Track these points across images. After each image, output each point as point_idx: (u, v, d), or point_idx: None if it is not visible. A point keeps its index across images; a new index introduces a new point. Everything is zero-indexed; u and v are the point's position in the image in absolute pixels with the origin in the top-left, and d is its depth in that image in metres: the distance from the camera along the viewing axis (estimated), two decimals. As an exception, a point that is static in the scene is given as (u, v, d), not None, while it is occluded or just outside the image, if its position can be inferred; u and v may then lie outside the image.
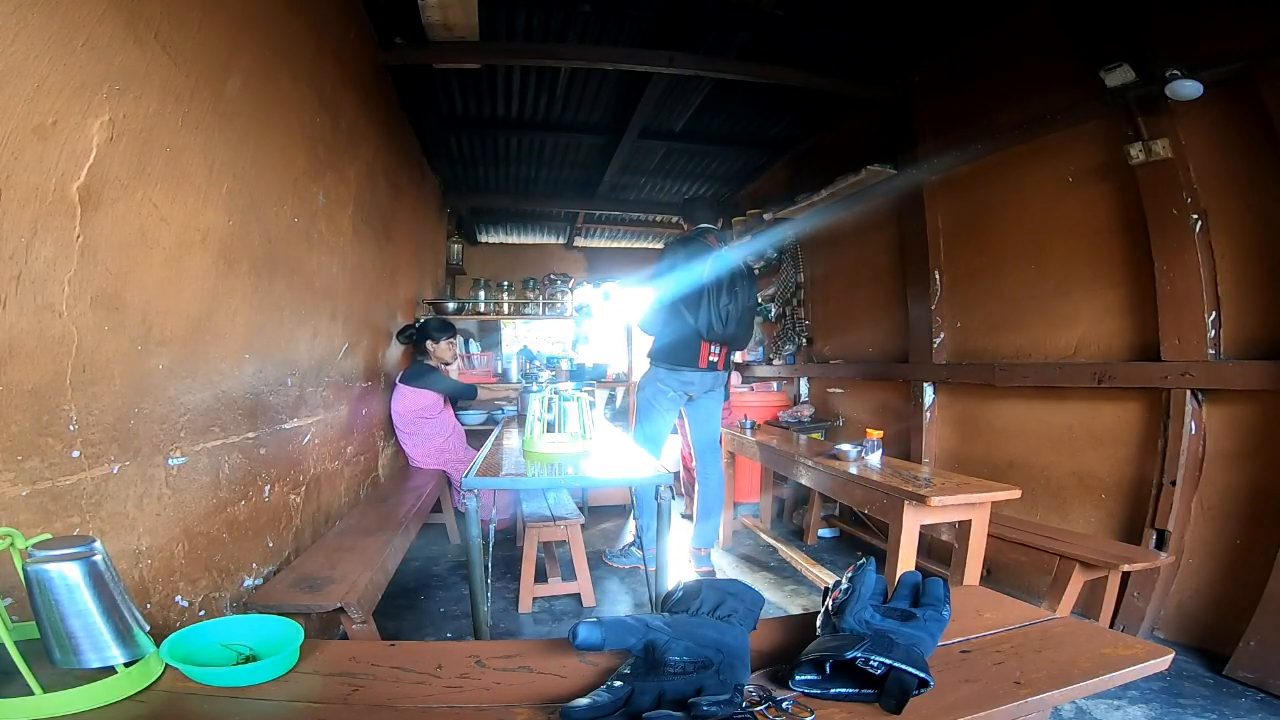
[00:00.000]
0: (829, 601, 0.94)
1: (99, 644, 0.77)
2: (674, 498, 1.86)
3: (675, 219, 5.46)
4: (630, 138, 4.33)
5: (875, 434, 2.62)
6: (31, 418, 1.05)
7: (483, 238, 7.56)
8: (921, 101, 3.53)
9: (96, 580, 0.78)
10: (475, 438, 3.94)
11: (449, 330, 3.79)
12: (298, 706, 0.81)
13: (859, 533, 3.57)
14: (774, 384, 5.05)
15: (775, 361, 5.04)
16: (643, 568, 2.96)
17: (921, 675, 0.77)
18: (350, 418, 2.88)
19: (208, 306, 1.61)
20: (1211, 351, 2.26)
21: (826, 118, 4.16)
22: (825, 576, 2.96)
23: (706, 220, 3.25)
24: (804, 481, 2.85)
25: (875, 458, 2.54)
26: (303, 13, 2.18)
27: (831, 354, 4.46)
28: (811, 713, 0.76)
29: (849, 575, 0.96)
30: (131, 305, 1.30)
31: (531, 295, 4.81)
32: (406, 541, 2.37)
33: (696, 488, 3.28)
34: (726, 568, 3.38)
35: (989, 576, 2.59)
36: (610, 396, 5.03)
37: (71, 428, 1.13)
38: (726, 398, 3.38)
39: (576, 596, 2.81)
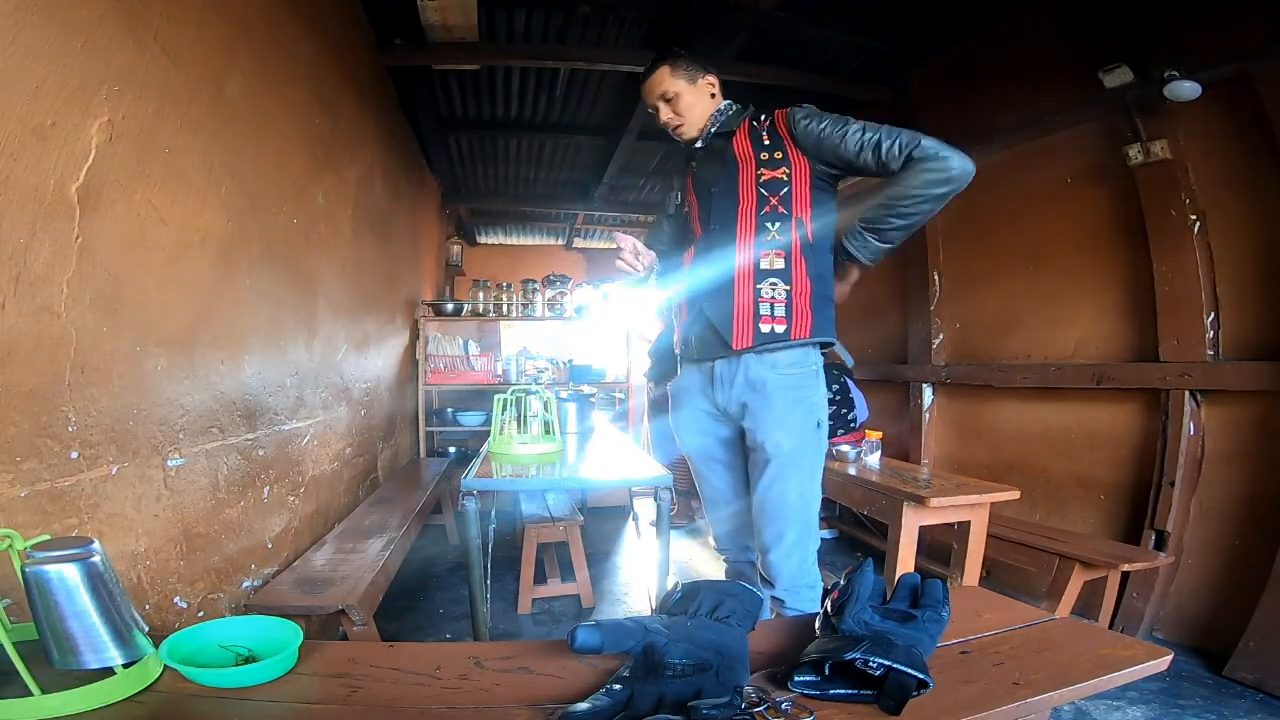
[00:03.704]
0: (828, 602, 0.94)
1: (97, 645, 0.77)
2: (674, 500, 1.86)
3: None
4: (629, 139, 4.33)
5: (874, 435, 2.62)
6: (30, 419, 1.04)
7: (482, 239, 7.56)
8: (920, 102, 3.53)
9: (95, 581, 0.78)
10: (476, 439, 3.94)
11: None
12: (297, 708, 0.81)
13: (858, 533, 3.57)
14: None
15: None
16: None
17: (921, 676, 0.77)
18: (349, 419, 2.87)
19: (206, 307, 1.61)
20: (1210, 352, 2.27)
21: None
22: (824, 578, 2.95)
23: None
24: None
25: (874, 459, 2.54)
26: (302, 14, 2.18)
27: (829, 355, 4.46)
28: (810, 714, 0.76)
29: (847, 576, 0.96)
30: (130, 306, 1.30)
31: (531, 297, 4.80)
32: (407, 543, 2.37)
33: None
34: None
35: (988, 577, 2.59)
36: (610, 398, 5.02)
37: (70, 429, 1.13)
38: None
39: (576, 598, 2.81)
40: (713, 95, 1.68)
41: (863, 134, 1.46)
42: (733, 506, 1.70)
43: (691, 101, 1.65)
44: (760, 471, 1.56)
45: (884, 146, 1.44)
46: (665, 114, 1.67)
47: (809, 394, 1.55)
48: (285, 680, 0.86)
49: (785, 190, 1.53)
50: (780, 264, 1.52)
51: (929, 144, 1.41)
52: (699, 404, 1.67)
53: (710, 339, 1.58)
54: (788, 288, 1.51)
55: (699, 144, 1.68)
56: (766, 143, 1.56)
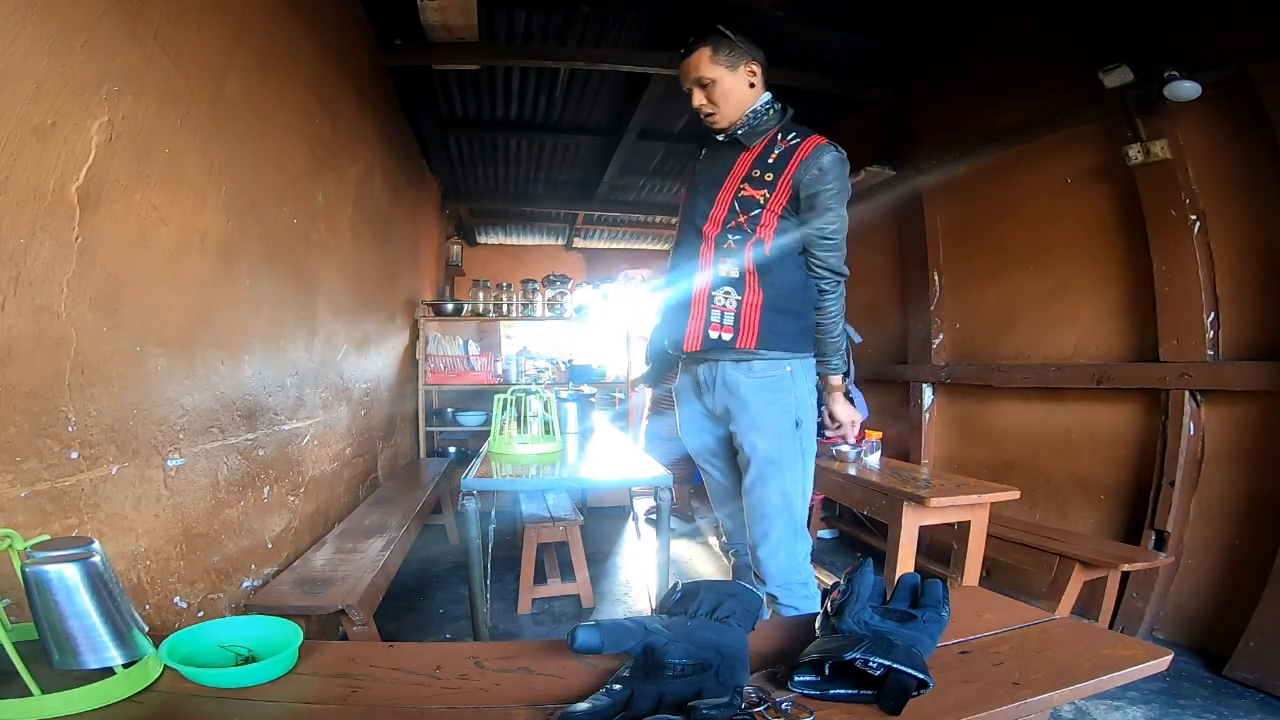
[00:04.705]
0: (828, 602, 0.94)
1: (97, 645, 0.77)
2: (673, 501, 1.87)
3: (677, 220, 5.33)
4: (629, 139, 4.33)
5: (874, 435, 2.62)
6: (30, 419, 1.04)
7: (482, 239, 7.56)
8: (921, 103, 3.54)
9: (95, 581, 0.78)
10: (476, 439, 3.94)
11: None
12: (296, 708, 0.81)
13: (858, 533, 3.57)
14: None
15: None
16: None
17: (920, 676, 0.77)
18: (349, 419, 2.87)
19: (206, 307, 1.61)
20: (1210, 352, 2.27)
21: (826, 119, 4.16)
22: (824, 578, 2.95)
23: None
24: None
25: (874, 459, 2.54)
26: (302, 14, 2.18)
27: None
28: (810, 714, 0.76)
29: (847, 576, 0.96)
30: (130, 306, 1.30)
31: (531, 297, 4.80)
32: (407, 543, 2.37)
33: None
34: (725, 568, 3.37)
35: (988, 577, 2.59)
36: (610, 398, 5.02)
37: (70, 429, 1.13)
38: None
39: (576, 598, 2.81)
40: (752, 85, 1.56)
41: (835, 225, 1.53)
42: (737, 502, 1.71)
43: (728, 89, 1.54)
44: (744, 471, 1.60)
45: (832, 246, 1.55)
46: (699, 99, 1.57)
47: (784, 395, 1.56)
48: (285, 680, 0.86)
49: (756, 212, 1.53)
50: (736, 273, 1.54)
51: (842, 272, 1.59)
52: (694, 405, 1.71)
53: (672, 336, 1.66)
54: (739, 298, 1.53)
55: (721, 136, 1.61)
56: (770, 162, 1.53)
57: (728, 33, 1.55)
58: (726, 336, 1.54)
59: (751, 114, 1.57)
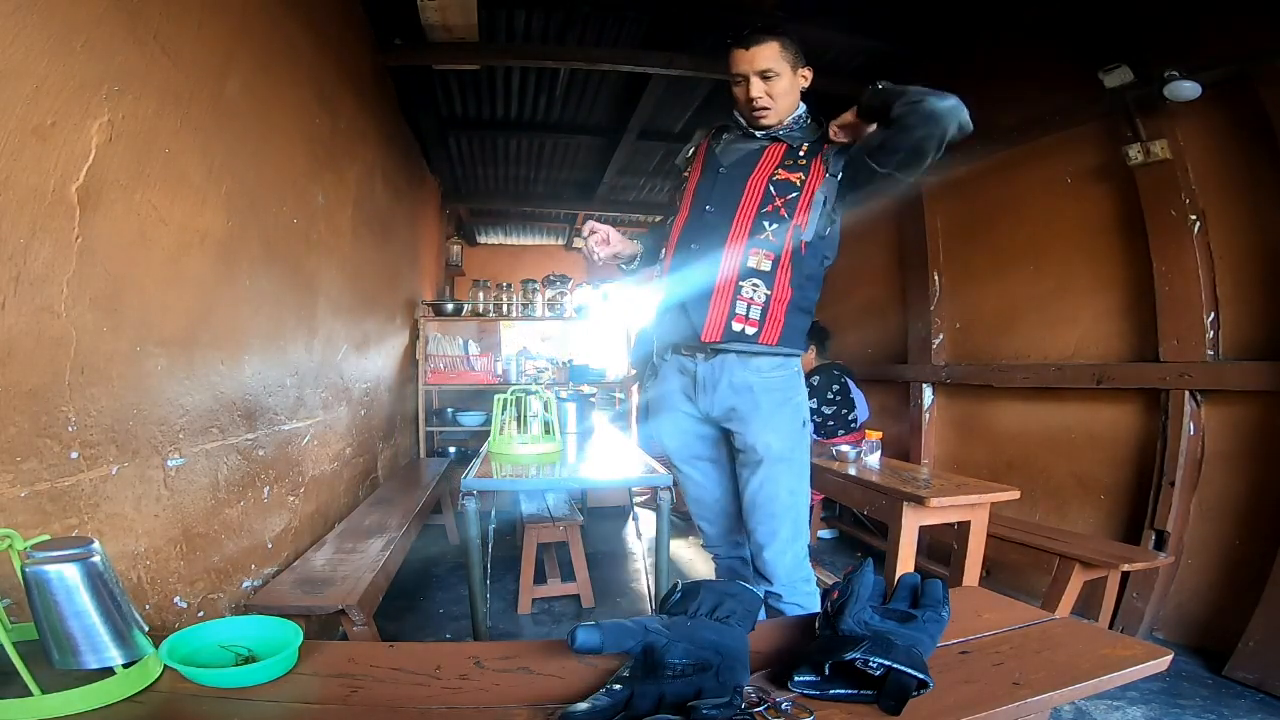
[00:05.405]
0: (828, 603, 0.94)
1: (97, 645, 0.77)
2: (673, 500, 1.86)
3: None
4: (629, 139, 4.33)
5: (874, 435, 2.62)
6: (30, 419, 1.04)
7: (482, 239, 7.57)
8: (920, 103, 3.53)
9: (95, 581, 0.78)
10: (476, 439, 3.94)
11: None
12: (296, 708, 0.81)
13: (858, 533, 3.57)
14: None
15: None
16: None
17: (920, 676, 0.77)
18: (349, 419, 2.87)
19: (206, 307, 1.61)
20: (1210, 352, 2.27)
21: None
22: (824, 578, 2.95)
23: None
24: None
25: (874, 459, 2.54)
26: (302, 14, 2.18)
27: (830, 355, 4.46)
28: (810, 713, 0.76)
29: (847, 576, 0.96)
30: (130, 306, 1.30)
31: (531, 297, 4.80)
32: (407, 543, 2.37)
33: None
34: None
35: (988, 577, 2.59)
36: (610, 398, 5.02)
37: (70, 429, 1.13)
38: None
39: (575, 598, 2.81)
40: (801, 90, 1.58)
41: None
42: (723, 504, 1.70)
43: (786, 88, 1.53)
44: (751, 472, 1.56)
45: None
46: (756, 89, 1.50)
47: (792, 395, 1.56)
48: (285, 680, 0.86)
49: (794, 195, 1.49)
50: (767, 266, 1.48)
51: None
52: (680, 406, 1.63)
53: (681, 323, 1.55)
54: (769, 292, 1.49)
55: (760, 134, 1.57)
56: (802, 152, 1.53)
57: (789, 33, 1.54)
58: (750, 330, 1.48)
59: (794, 119, 1.57)
